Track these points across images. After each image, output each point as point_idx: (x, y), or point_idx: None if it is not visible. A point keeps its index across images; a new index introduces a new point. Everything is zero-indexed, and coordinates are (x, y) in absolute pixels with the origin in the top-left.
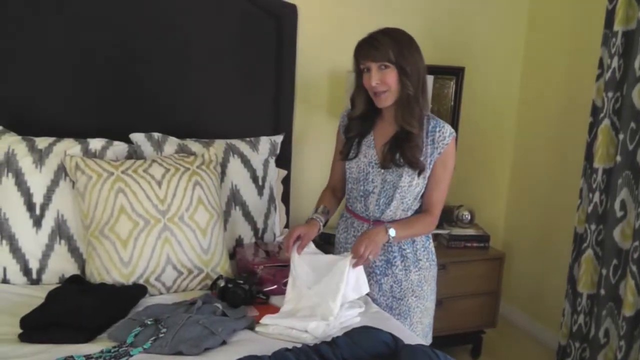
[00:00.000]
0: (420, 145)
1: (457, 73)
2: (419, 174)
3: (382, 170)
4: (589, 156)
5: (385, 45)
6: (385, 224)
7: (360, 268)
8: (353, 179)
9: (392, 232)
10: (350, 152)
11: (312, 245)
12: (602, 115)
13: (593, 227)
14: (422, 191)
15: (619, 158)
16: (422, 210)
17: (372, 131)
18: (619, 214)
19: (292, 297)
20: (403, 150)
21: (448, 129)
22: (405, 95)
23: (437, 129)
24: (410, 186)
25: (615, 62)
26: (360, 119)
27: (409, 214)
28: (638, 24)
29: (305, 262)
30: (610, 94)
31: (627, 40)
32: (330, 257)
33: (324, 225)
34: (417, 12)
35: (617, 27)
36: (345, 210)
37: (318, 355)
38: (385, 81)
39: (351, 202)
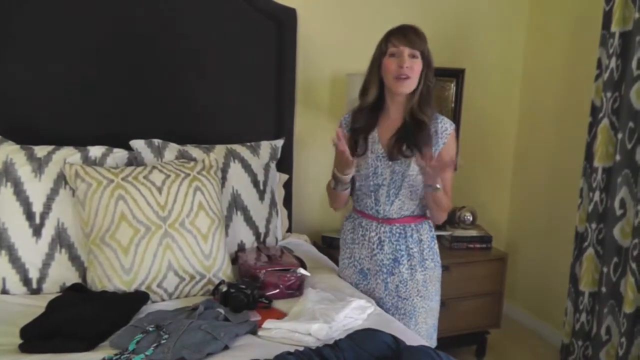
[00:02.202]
0: (431, 135)
1: (457, 75)
2: None
3: (390, 163)
4: (589, 156)
5: (423, 37)
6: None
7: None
8: (362, 175)
9: (440, 185)
10: (358, 148)
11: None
12: (601, 115)
13: (594, 225)
14: None
15: (618, 157)
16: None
17: (375, 128)
18: (619, 212)
19: (295, 310)
20: (414, 139)
21: (448, 121)
22: (426, 86)
23: (439, 121)
24: (418, 175)
25: (613, 63)
26: (367, 111)
27: (416, 202)
28: (635, 25)
29: (319, 294)
30: (608, 94)
31: (624, 41)
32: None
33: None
34: (417, 15)
35: (615, 28)
36: (353, 211)
37: (320, 358)
38: (412, 68)
39: (360, 199)
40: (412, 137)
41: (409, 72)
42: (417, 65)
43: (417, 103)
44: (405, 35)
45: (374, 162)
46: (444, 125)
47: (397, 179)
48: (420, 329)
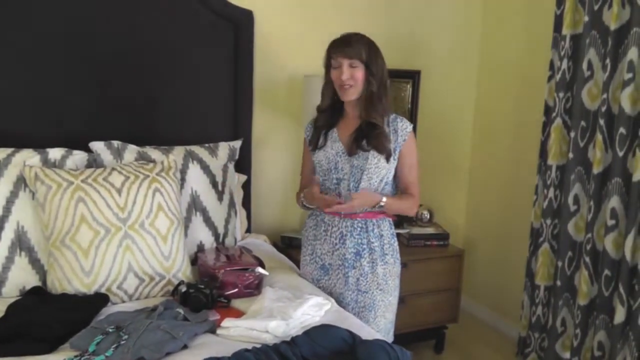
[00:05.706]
0: (386, 133)
1: (413, 76)
2: (387, 159)
3: (350, 158)
4: (543, 154)
5: (358, 45)
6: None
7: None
8: (324, 170)
9: (384, 199)
10: (320, 141)
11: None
12: (554, 114)
13: (549, 221)
14: (388, 174)
15: (571, 155)
16: (400, 193)
17: (335, 127)
18: (573, 208)
19: (253, 308)
20: (370, 138)
21: (407, 121)
22: (369, 91)
23: (398, 120)
24: (377, 167)
25: (565, 64)
26: (327, 112)
27: None
28: (584, 28)
29: (277, 293)
30: (561, 94)
31: (575, 44)
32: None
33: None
34: (374, 18)
35: (566, 31)
36: (316, 208)
37: (277, 355)
38: (354, 76)
39: None
40: (369, 135)
41: (350, 82)
42: (359, 73)
43: (364, 108)
44: (341, 47)
45: (335, 158)
46: (404, 125)
47: (357, 172)
48: (379, 323)
